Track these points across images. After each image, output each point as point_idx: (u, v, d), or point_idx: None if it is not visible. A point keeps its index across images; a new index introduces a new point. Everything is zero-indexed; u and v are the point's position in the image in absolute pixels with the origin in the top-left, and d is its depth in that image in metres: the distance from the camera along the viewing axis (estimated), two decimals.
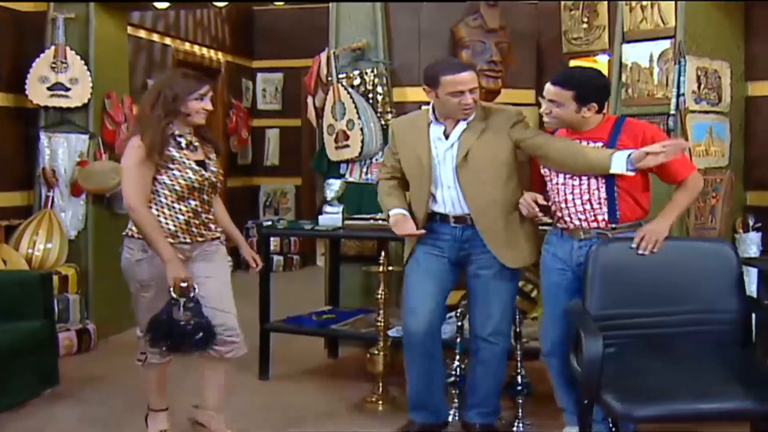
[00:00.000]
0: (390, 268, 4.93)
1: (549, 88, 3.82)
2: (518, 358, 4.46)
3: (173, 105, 3.87)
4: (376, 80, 5.85)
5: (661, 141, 3.66)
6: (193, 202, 3.95)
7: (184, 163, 3.91)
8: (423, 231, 4.05)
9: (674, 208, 3.77)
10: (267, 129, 10.12)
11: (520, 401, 4.44)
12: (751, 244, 5.38)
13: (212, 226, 4.10)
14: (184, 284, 3.81)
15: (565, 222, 3.87)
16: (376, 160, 5.75)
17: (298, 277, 9.58)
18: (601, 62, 6.12)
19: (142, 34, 7.80)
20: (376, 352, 4.90)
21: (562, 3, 6.18)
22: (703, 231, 5.27)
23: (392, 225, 4.10)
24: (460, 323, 4.59)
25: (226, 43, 9.52)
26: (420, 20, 6.05)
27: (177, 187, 3.88)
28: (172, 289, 3.79)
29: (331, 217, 5.45)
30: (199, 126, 4.01)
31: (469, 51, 5.80)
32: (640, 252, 3.64)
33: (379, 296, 4.91)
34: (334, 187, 5.57)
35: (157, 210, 3.88)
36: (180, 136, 3.93)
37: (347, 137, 5.75)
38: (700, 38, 5.18)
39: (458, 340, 4.57)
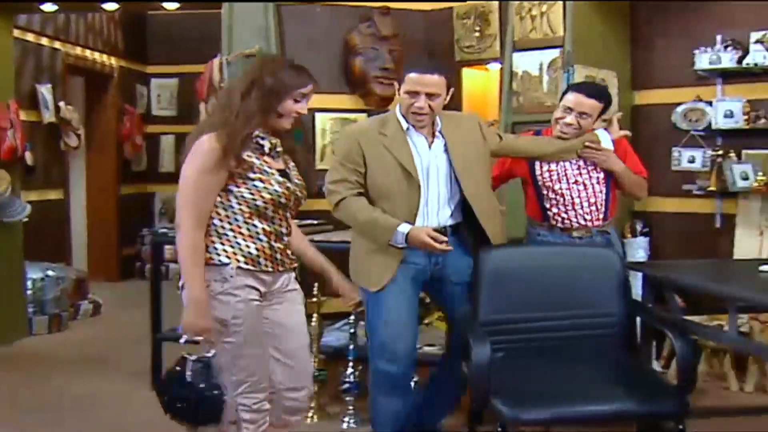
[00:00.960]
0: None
1: (584, 101, 3.93)
2: (350, 358, 4.50)
3: (271, 99, 3.09)
4: None
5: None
6: (276, 221, 3.17)
7: (266, 172, 3.11)
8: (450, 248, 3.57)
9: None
10: (162, 135, 9.91)
11: (349, 399, 4.48)
12: (638, 249, 5.55)
13: (289, 252, 3.27)
14: (198, 337, 3.04)
15: (570, 222, 4.04)
16: None
17: None
18: (492, 70, 6.21)
19: (30, 37, 7.55)
20: None
21: (455, 11, 6.24)
22: None
23: (417, 240, 3.51)
24: (352, 330, 4.57)
25: (119, 47, 9.29)
26: (313, 27, 6.03)
27: (259, 202, 3.08)
28: (183, 336, 3.04)
29: None
30: (283, 131, 3.23)
31: (362, 58, 5.82)
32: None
33: None
34: None
35: (233, 231, 3.08)
36: (262, 138, 3.14)
37: None
38: (588, 48, 5.31)
39: (351, 347, 4.56)
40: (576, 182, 4.03)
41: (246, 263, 3.07)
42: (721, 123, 5.43)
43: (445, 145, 3.63)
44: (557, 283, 3.69)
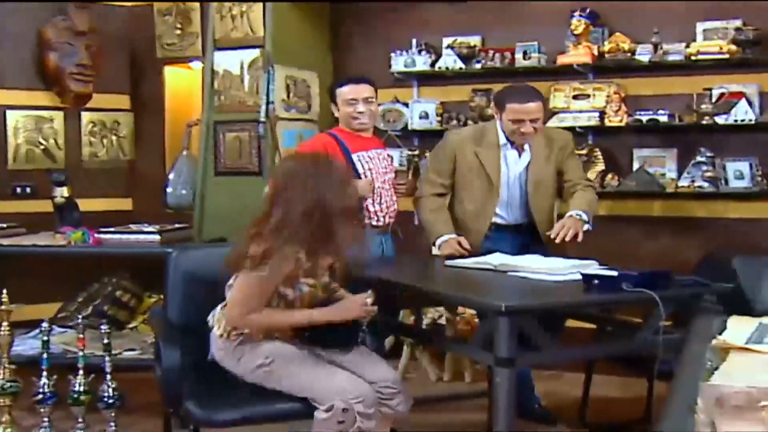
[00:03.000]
0: None
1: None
2: (107, 371, 4.28)
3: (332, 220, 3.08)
4: None
5: None
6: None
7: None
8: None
9: None
10: None
11: (112, 414, 4.26)
12: None
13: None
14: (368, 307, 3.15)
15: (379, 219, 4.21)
16: None
17: None
18: (195, 69, 6.11)
19: None
20: None
21: (156, 8, 6.08)
22: None
23: (447, 247, 4.02)
24: (45, 338, 4.31)
25: None
26: (5, 20, 5.63)
27: (297, 303, 3.17)
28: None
29: None
30: None
31: (56, 53, 5.50)
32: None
33: None
34: None
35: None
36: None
37: None
38: (289, 48, 5.36)
39: (44, 356, 4.29)
40: (384, 181, 4.22)
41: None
42: (416, 124, 5.67)
43: (529, 161, 4.10)
44: None
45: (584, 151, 5.24)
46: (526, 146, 4.09)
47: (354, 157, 4.16)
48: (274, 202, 3.09)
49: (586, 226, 3.90)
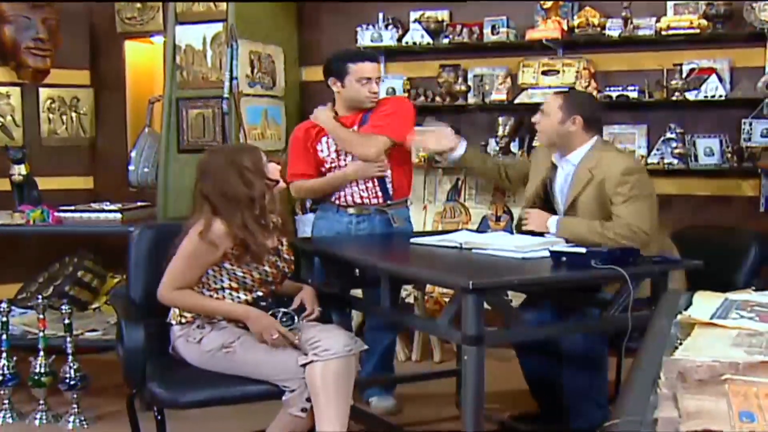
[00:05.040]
0: None
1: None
2: (69, 352, 4.20)
3: (261, 175, 3.23)
4: None
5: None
6: (258, 292, 3.28)
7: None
8: None
9: None
10: None
11: (75, 396, 4.18)
12: (308, 225, 5.58)
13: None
14: (275, 336, 3.11)
15: (346, 200, 4.10)
16: None
17: None
18: (157, 44, 5.99)
19: None
20: None
21: None
22: None
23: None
24: (4, 319, 4.22)
25: None
26: None
27: (248, 280, 3.24)
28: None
29: None
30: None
31: (12, 27, 5.35)
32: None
33: None
34: None
35: (214, 294, 3.24)
36: (262, 218, 3.26)
37: None
38: (253, 23, 5.26)
39: (4, 337, 4.21)
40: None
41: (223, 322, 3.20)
42: None
43: (574, 176, 3.69)
44: None
45: None
46: (578, 163, 3.73)
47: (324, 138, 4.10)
48: (197, 192, 3.26)
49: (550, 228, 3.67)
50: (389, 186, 4.15)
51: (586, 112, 3.70)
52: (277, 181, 3.29)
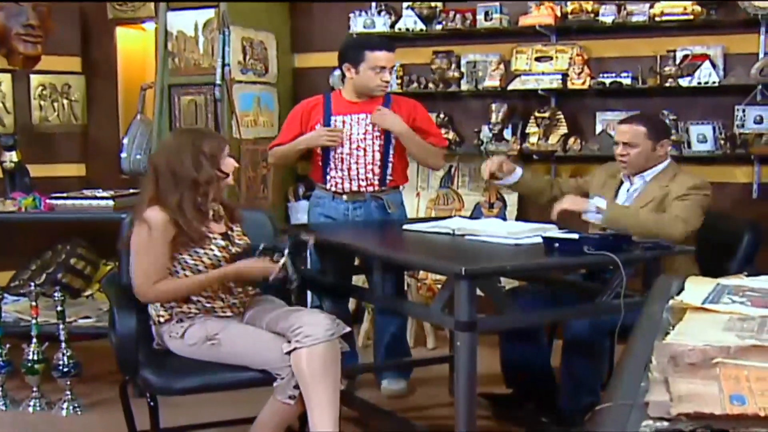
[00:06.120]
0: None
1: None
2: (62, 339, 4.19)
3: (214, 162, 3.23)
4: None
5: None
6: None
7: (207, 238, 3.24)
8: None
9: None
10: None
11: (68, 383, 4.18)
12: (301, 211, 5.59)
13: (239, 290, 3.33)
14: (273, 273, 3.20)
15: (343, 186, 4.11)
16: None
17: None
18: (149, 30, 5.96)
19: None
20: None
21: None
22: (255, 200, 5.36)
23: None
24: None
25: None
26: None
27: (201, 267, 3.21)
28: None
29: None
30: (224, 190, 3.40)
31: (2, 13, 5.29)
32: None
33: None
34: None
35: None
36: (205, 204, 3.26)
37: None
38: (245, 9, 5.24)
39: None
40: (358, 147, 4.07)
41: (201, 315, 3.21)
42: None
43: (643, 190, 3.75)
44: None
45: (546, 114, 5.18)
46: (640, 180, 3.81)
47: (331, 119, 4.10)
48: (149, 163, 3.36)
49: (591, 216, 3.62)
50: (389, 174, 4.16)
51: (668, 133, 3.85)
52: (227, 175, 3.29)
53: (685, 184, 3.64)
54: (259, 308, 3.30)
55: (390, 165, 4.15)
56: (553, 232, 3.35)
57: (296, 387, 2.99)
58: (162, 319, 3.23)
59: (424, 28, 5.43)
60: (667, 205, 3.62)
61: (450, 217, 4.18)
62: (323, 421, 2.95)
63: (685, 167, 4.07)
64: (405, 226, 3.78)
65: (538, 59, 5.21)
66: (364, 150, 4.11)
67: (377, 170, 4.12)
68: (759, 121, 4.59)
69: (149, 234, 3.13)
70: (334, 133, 4.04)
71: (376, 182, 4.14)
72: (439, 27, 5.43)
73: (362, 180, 4.13)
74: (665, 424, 1.12)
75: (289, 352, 2.99)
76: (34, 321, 4.14)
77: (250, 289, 3.37)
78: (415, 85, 5.52)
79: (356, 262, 4.06)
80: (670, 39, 4.94)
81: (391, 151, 4.15)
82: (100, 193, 4.71)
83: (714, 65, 4.79)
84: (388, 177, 4.17)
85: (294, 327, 3.05)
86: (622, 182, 3.86)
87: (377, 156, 4.12)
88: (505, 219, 4.00)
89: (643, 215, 3.56)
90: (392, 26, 5.51)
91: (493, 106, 5.30)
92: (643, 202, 3.68)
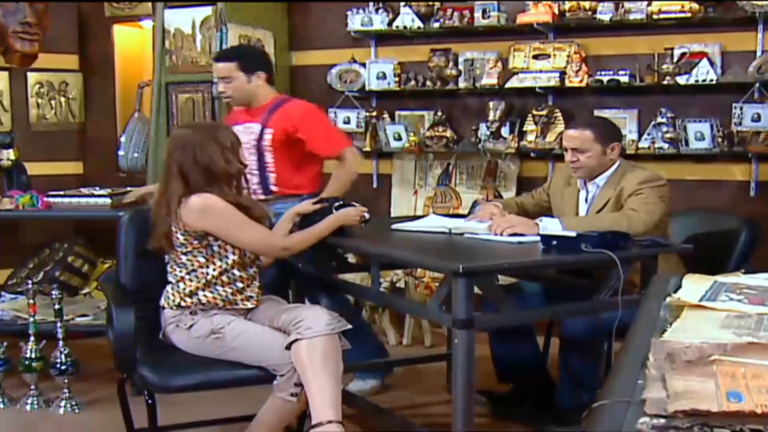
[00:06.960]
0: None
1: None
2: (59, 337, 4.19)
3: (235, 154, 3.27)
4: None
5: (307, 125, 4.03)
6: (254, 270, 3.34)
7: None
8: None
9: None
10: None
11: (66, 381, 4.18)
12: None
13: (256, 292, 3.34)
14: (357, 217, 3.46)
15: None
16: None
17: None
18: (146, 28, 5.96)
19: None
20: None
21: None
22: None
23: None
24: None
25: None
26: None
27: (247, 253, 3.28)
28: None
29: None
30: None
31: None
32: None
33: None
34: None
35: (201, 286, 3.22)
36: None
37: None
38: (243, 7, 5.24)
39: None
40: (247, 157, 4.01)
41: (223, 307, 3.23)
42: (374, 84, 5.58)
43: (597, 195, 3.72)
44: None
45: (544, 112, 5.18)
46: (596, 184, 3.76)
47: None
48: (171, 165, 3.23)
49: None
50: (271, 183, 4.07)
51: (618, 136, 3.77)
52: (246, 166, 3.34)
53: (635, 180, 3.59)
54: (262, 306, 3.30)
55: (271, 176, 4.05)
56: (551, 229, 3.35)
57: (297, 384, 2.99)
58: (182, 304, 3.22)
59: (421, 25, 5.43)
60: (624, 204, 3.58)
61: (441, 215, 4.19)
62: (325, 410, 2.91)
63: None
64: (393, 226, 3.74)
65: (535, 57, 5.21)
66: (249, 159, 3.96)
67: (256, 180, 4.03)
68: (756, 118, 4.59)
69: (231, 210, 3.17)
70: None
71: (260, 191, 4.03)
72: (436, 25, 5.42)
73: (252, 187, 3.93)
74: (662, 421, 1.11)
75: (289, 345, 2.99)
76: (31, 319, 4.13)
77: (258, 285, 3.35)
78: (413, 83, 5.52)
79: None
80: (668, 37, 4.93)
81: (268, 161, 4.04)
82: (98, 191, 4.71)
83: (712, 63, 4.79)
84: (271, 186, 4.06)
85: (295, 320, 3.05)
86: (579, 190, 3.82)
87: (254, 166, 4.01)
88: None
89: (599, 219, 3.51)
90: (390, 24, 5.51)
91: (491, 104, 5.30)
92: (599, 207, 3.66)
